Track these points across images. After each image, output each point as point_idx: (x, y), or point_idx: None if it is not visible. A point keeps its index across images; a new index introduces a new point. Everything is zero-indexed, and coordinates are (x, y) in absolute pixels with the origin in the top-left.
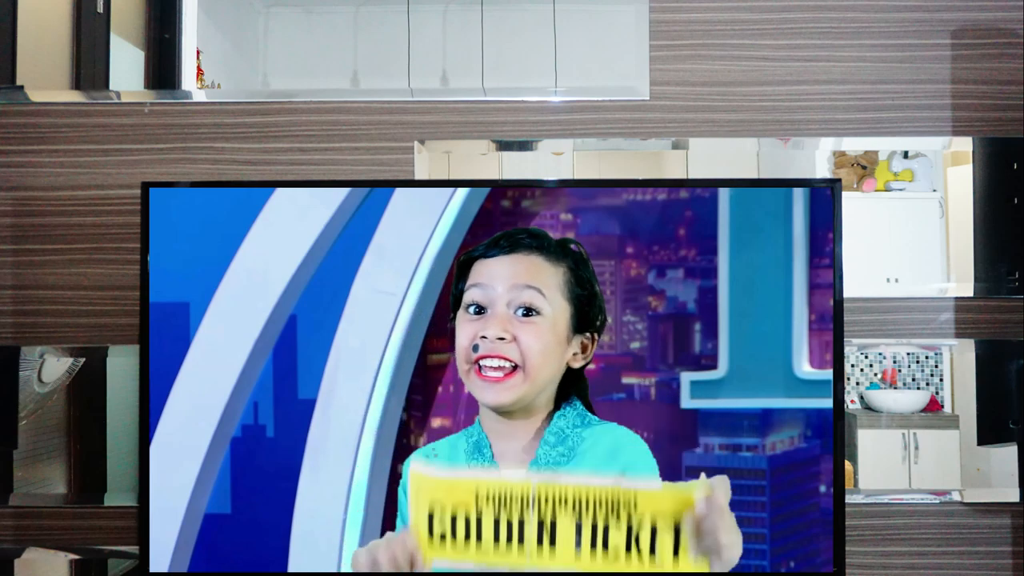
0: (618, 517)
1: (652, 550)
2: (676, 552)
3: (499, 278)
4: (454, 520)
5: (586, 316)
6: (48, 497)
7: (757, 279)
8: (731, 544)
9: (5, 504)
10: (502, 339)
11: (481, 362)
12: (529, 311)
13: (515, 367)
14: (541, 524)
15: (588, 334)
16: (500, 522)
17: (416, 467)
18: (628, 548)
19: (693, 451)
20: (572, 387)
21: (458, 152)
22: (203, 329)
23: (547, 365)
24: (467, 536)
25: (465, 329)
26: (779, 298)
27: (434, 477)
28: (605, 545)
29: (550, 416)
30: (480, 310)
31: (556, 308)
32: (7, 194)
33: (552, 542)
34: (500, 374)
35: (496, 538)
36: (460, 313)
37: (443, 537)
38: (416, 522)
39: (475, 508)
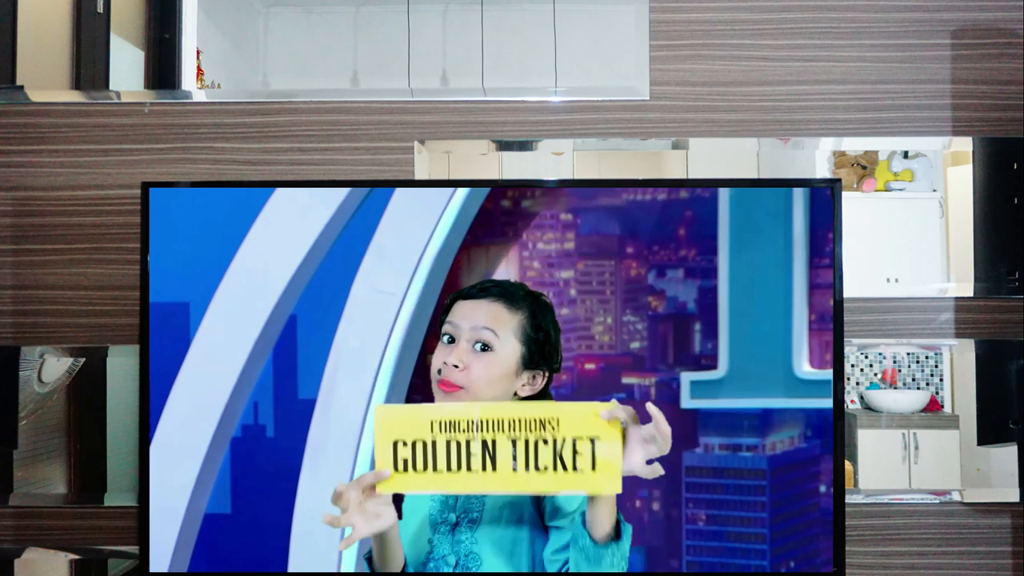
0: (544, 439)
1: (574, 465)
2: (593, 466)
3: (467, 318)
4: (414, 445)
5: (537, 355)
6: (48, 497)
7: (757, 279)
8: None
9: (5, 504)
10: (456, 367)
11: (443, 384)
12: (485, 347)
13: (461, 388)
14: (484, 444)
15: (541, 371)
16: (450, 445)
17: (380, 407)
18: (554, 466)
19: (693, 451)
20: None
21: (458, 152)
22: (203, 329)
23: (490, 390)
24: (424, 463)
25: (438, 354)
26: (779, 298)
27: (397, 410)
28: (536, 465)
29: None
30: (451, 340)
31: (508, 347)
32: (7, 194)
33: (494, 465)
34: (453, 391)
35: (448, 461)
36: (440, 341)
37: (406, 463)
38: (380, 452)
39: (430, 435)
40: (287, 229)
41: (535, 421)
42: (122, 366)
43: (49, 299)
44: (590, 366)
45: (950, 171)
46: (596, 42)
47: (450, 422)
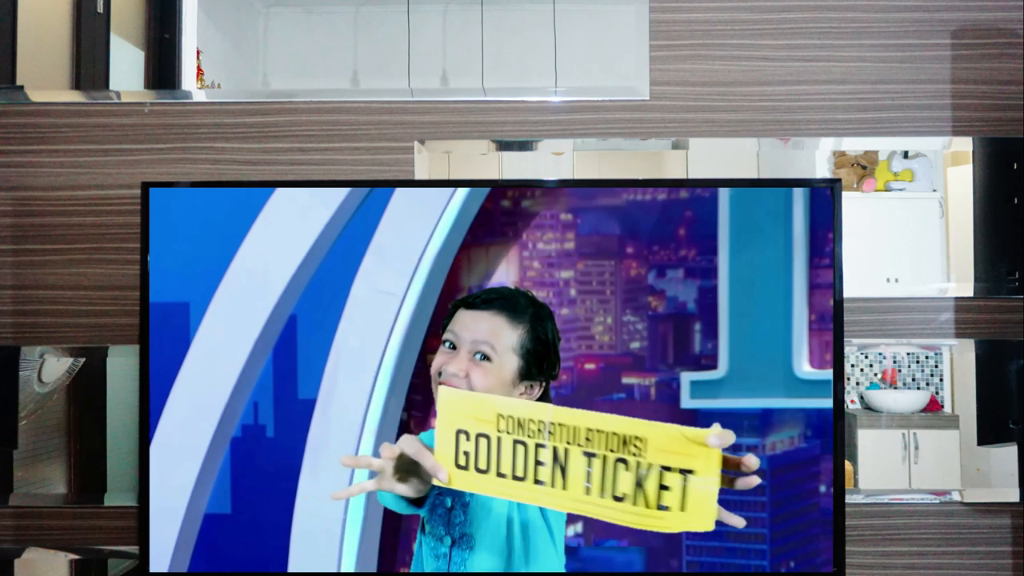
0: (625, 460)
1: (659, 502)
2: (683, 506)
3: (467, 329)
4: (477, 440)
5: (535, 368)
6: (48, 497)
7: (757, 279)
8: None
9: (5, 504)
10: (457, 375)
11: (442, 386)
12: (484, 356)
13: None
14: (555, 453)
15: (537, 381)
16: (517, 447)
17: (445, 389)
18: (634, 497)
19: None
20: None
21: (458, 152)
22: (203, 329)
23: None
24: (487, 462)
25: (439, 358)
26: (779, 298)
27: (462, 396)
28: (615, 492)
29: None
30: (452, 347)
31: (504, 360)
32: (7, 194)
33: (564, 480)
34: None
35: (513, 465)
36: (441, 345)
37: (467, 458)
38: (441, 441)
39: (495, 431)
40: (287, 229)
41: (616, 437)
42: (122, 366)
43: (49, 299)
44: (590, 366)
45: (950, 171)
46: (596, 42)
47: (518, 420)
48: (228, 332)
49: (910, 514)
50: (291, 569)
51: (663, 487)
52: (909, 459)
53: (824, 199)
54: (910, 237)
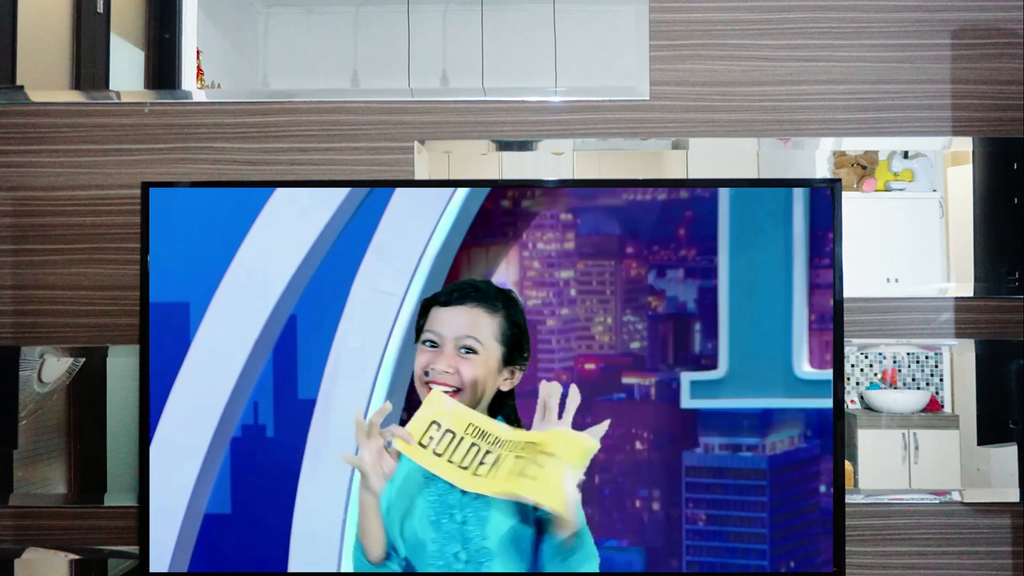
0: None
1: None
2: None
3: (449, 325)
4: (445, 433)
5: (514, 353)
6: (48, 497)
7: (757, 279)
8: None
9: (5, 504)
10: (447, 372)
11: (432, 384)
12: (469, 350)
13: (458, 390)
14: (497, 458)
15: (518, 365)
16: (473, 447)
17: (438, 391)
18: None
19: (693, 451)
20: (501, 403)
21: (458, 152)
22: (203, 329)
23: (480, 388)
24: (444, 450)
25: (421, 358)
26: (779, 298)
27: (450, 402)
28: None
29: None
30: (434, 345)
31: (490, 349)
32: (7, 194)
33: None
34: (450, 391)
35: (463, 459)
36: (419, 344)
37: (430, 440)
38: (416, 421)
39: (463, 432)
40: (287, 229)
41: (535, 446)
42: (122, 366)
43: (49, 299)
44: (590, 366)
45: (950, 171)
46: (596, 42)
47: (482, 431)
48: (228, 332)
49: (910, 514)
50: (291, 569)
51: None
52: (909, 459)
53: (824, 199)
54: (910, 237)
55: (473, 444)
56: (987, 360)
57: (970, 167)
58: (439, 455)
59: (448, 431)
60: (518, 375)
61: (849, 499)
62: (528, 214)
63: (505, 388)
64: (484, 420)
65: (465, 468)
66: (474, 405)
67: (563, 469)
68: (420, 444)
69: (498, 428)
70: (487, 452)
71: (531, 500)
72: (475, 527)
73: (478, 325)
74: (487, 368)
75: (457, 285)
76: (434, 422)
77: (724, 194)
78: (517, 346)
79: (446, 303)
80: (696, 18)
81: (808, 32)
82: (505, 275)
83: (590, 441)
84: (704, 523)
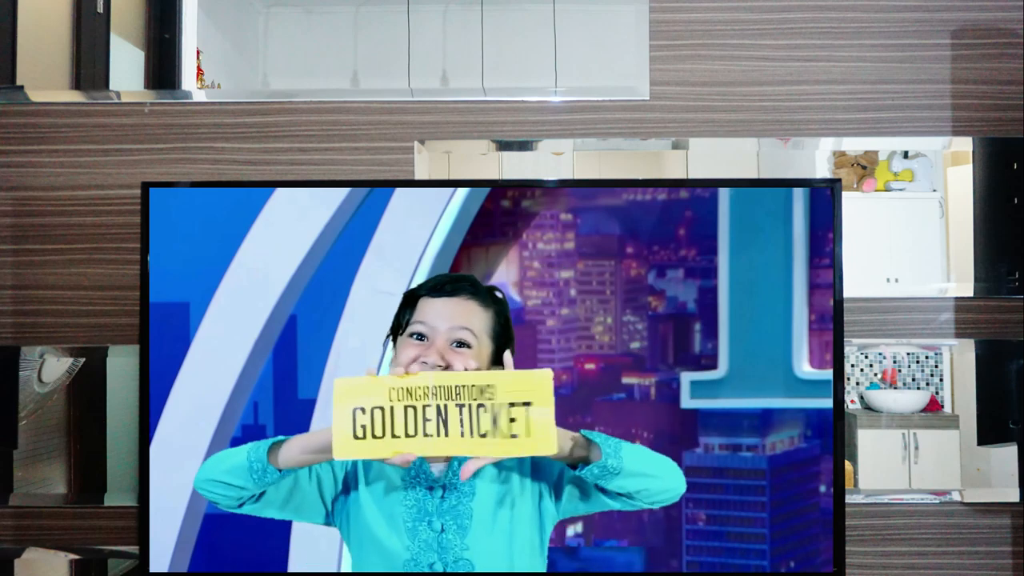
0: (483, 404)
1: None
2: (528, 432)
3: (441, 317)
4: (372, 412)
5: (501, 352)
6: (48, 497)
7: (757, 279)
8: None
9: (5, 504)
10: (440, 365)
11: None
12: (462, 343)
13: None
14: (438, 410)
15: (502, 366)
16: (407, 410)
17: (340, 379)
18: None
19: (693, 451)
20: None
21: (458, 152)
22: (203, 329)
23: None
24: (383, 429)
25: (407, 351)
26: (779, 298)
27: (356, 381)
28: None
29: None
30: (422, 337)
31: (482, 344)
32: (7, 194)
33: (446, 431)
34: None
35: (405, 427)
36: (403, 337)
37: (364, 430)
38: (339, 421)
39: (388, 402)
40: (287, 229)
41: (475, 388)
42: (122, 366)
43: (49, 299)
44: (590, 366)
45: (950, 171)
46: (596, 42)
47: (407, 389)
48: (228, 332)
49: (910, 514)
50: (291, 569)
51: (512, 419)
52: (909, 459)
53: (824, 199)
54: (910, 237)
55: (408, 407)
56: (987, 360)
57: (970, 167)
58: (379, 437)
59: (376, 408)
60: None
61: (849, 499)
62: (528, 214)
63: None
64: (398, 379)
65: (412, 436)
66: None
67: (541, 414)
68: (356, 438)
69: (415, 378)
70: (425, 407)
71: (520, 455)
72: (455, 536)
73: (472, 318)
74: (480, 362)
75: (447, 276)
76: (356, 408)
77: (724, 194)
78: (506, 343)
79: (439, 293)
80: (696, 18)
81: (808, 32)
82: (505, 275)
83: (544, 372)
84: (704, 523)
